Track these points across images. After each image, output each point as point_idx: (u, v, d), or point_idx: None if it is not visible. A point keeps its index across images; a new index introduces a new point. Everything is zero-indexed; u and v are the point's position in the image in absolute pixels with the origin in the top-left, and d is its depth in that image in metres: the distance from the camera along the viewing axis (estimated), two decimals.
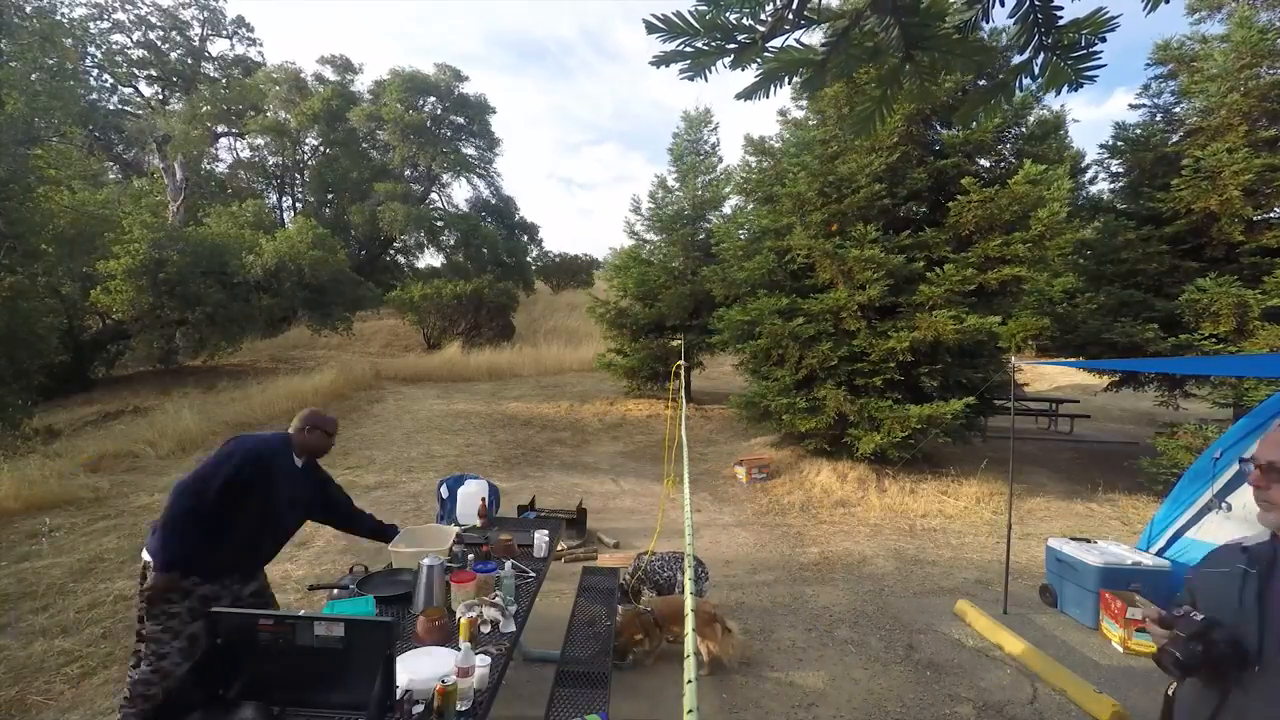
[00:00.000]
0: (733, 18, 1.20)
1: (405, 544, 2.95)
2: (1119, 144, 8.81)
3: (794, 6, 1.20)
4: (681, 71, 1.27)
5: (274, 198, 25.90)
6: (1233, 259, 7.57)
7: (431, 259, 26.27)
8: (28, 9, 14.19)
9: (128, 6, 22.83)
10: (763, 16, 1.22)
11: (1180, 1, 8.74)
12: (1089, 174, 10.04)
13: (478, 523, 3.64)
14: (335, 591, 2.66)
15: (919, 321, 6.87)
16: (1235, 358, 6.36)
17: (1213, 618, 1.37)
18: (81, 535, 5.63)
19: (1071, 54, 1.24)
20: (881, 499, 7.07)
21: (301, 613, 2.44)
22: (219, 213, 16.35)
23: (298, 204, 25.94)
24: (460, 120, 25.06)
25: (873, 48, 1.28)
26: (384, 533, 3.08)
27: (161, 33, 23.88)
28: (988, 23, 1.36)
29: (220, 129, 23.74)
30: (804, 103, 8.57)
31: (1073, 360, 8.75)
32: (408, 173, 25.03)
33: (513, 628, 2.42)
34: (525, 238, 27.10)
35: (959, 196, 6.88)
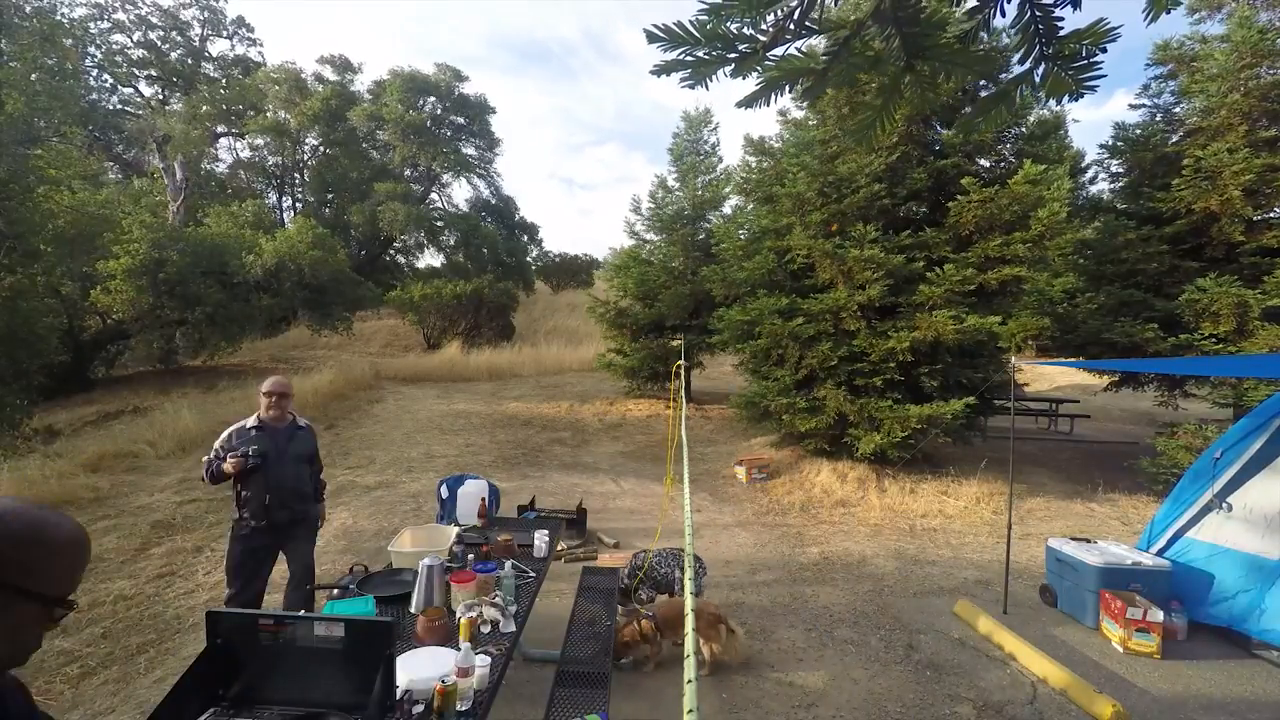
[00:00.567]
0: (734, 27, 1.20)
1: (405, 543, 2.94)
2: (1119, 144, 8.81)
3: (795, 17, 1.20)
4: (682, 80, 1.27)
5: (274, 198, 25.91)
6: (1233, 259, 7.57)
7: (431, 259, 26.32)
8: (28, 9, 14.19)
9: (128, 6, 22.85)
10: (764, 26, 1.21)
11: (1180, 2, 8.74)
12: (1089, 174, 10.05)
13: (478, 523, 3.64)
14: (335, 591, 2.66)
15: (919, 321, 6.87)
16: (1235, 358, 6.36)
17: None
18: None
19: (1072, 64, 1.24)
20: (881, 499, 7.07)
21: (301, 613, 2.44)
22: (219, 213, 16.34)
23: (298, 204, 25.94)
24: (460, 120, 25.07)
25: (874, 57, 1.27)
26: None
27: (161, 33, 23.89)
28: (989, 34, 1.36)
29: (220, 129, 23.74)
30: (804, 104, 8.58)
31: (1073, 360, 8.75)
32: (408, 173, 25.03)
33: (513, 628, 2.42)
34: (525, 238, 27.11)
35: (959, 196, 6.88)
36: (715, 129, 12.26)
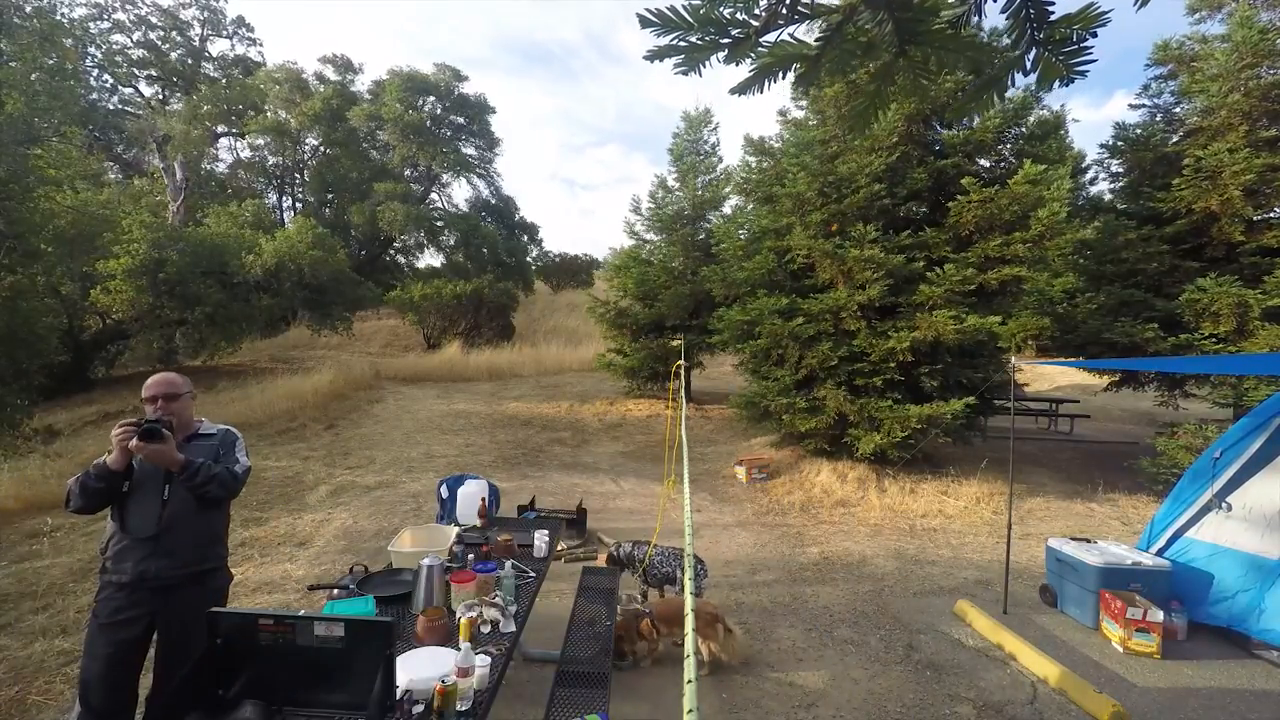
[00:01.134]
0: (726, 12, 1.19)
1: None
2: (1119, 144, 8.81)
3: (787, 1, 1.20)
4: (676, 66, 1.27)
5: (274, 198, 25.94)
6: (1233, 259, 7.57)
7: (431, 259, 26.34)
8: (28, 9, 14.18)
9: (128, 6, 22.86)
10: (756, 11, 1.21)
11: (1180, 1, 8.75)
12: (1089, 174, 10.06)
13: (478, 523, 3.63)
14: (335, 591, 2.65)
15: (919, 321, 6.87)
16: (1235, 358, 6.36)
17: None
18: (81, 535, 5.63)
19: (1063, 49, 1.24)
20: (881, 499, 7.07)
21: (301, 613, 2.44)
22: (219, 213, 16.34)
23: (298, 204, 25.97)
24: (460, 120, 25.08)
25: (867, 43, 1.27)
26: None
27: (161, 33, 23.90)
28: (981, 18, 1.36)
29: (220, 129, 23.75)
30: (804, 103, 8.58)
31: (1073, 360, 8.75)
32: (408, 172, 25.04)
33: (513, 628, 2.42)
34: (525, 238, 27.13)
35: (959, 196, 6.88)
36: (715, 129, 12.28)
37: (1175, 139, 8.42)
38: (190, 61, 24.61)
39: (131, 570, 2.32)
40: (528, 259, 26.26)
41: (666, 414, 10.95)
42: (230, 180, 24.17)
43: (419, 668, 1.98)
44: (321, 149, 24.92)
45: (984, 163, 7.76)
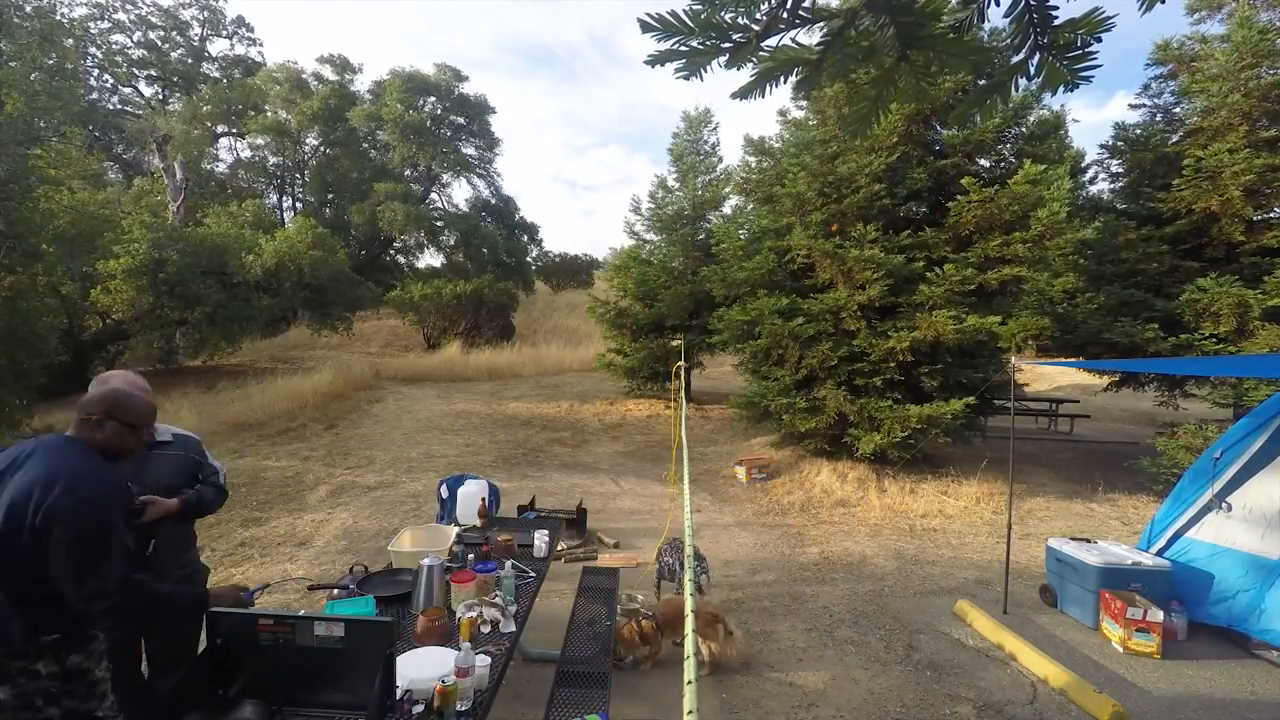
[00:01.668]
0: (727, 17, 1.19)
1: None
2: (1119, 144, 8.81)
3: (788, 6, 1.20)
4: (677, 71, 1.27)
5: (274, 198, 25.96)
6: (1233, 259, 7.57)
7: (431, 259, 26.36)
8: (28, 9, 14.20)
9: (128, 6, 22.87)
10: (757, 16, 1.21)
11: (1180, 1, 8.75)
12: (1089, 174, 10.04)
13: (478, 523, 3.63)
14: (335, 591, 2.65)
15: (919, 321, 6.87)
16: (1235, 358, 6.36)
17: None
18: None
19: (1067, 54, 1.23)
20: (881, 499, 7.07)
21: (301, 613, 2.44)
22: (219, 213, 16.35)
23: (298, 204, 25.98)
24: (460, 120, 25.09)
25: (868, 47, 1.27)
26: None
27: (161, 33, 23.91)
28: (984, 23, 1.36)
29: (220, 129, 23.75)
30: (804, 103, 8.56)
31: (1073, 360, 8.75)
32: (408, 173, 25.04)
33: (513, 628, 2.42)
34: (525, 238, 27.13)
35: (959, 196, 6.88)
36: (715, 129, 12.25)
37: (1175, 139, 8.41)
38: (190, 61, 24.62)
39: None
40: (528, 259, 26.27)
41: (666, 414, 10.95)
42: (230, 180, 24.18)
43: (419, 668, 1.98)
44: (321, 149, 24.92)
45: (984, 163, 7.75)
